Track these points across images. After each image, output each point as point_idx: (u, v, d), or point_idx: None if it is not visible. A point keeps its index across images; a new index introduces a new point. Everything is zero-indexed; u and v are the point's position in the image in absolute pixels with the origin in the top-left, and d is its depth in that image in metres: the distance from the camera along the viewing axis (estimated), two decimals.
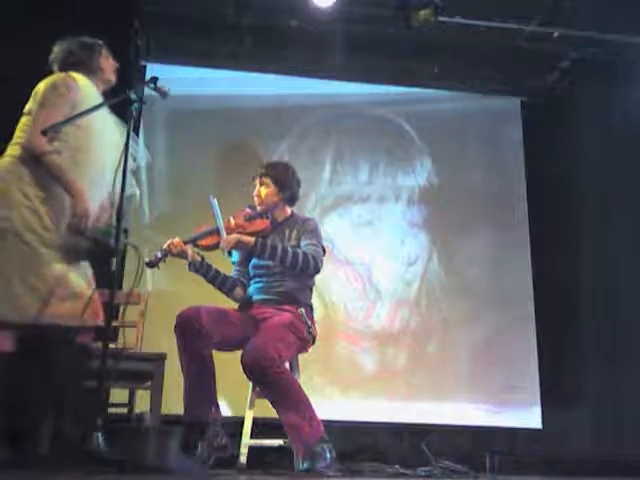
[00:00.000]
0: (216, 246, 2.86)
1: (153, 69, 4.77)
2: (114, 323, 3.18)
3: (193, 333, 2.68)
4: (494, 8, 4.51)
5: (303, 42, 4.76)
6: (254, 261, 2.99)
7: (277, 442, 2.84)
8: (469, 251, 4.97)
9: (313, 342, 2.94)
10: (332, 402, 4.47)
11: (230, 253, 3.05)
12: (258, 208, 3.04)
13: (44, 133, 2.34)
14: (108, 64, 2.71)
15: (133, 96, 2.41)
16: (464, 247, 4.98)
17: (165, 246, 2.82)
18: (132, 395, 3.21)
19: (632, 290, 4.61)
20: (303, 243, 2.93)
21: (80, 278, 2.44)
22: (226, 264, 3.08)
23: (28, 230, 2.35)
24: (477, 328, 4.80)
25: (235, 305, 3.03)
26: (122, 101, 2.46)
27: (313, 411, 2.66)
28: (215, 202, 2.86)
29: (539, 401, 4.71)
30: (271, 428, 2.81)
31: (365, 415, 4.49)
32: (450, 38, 4.68)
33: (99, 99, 2.57)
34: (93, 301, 2.41)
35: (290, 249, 2.85)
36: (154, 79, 2.52)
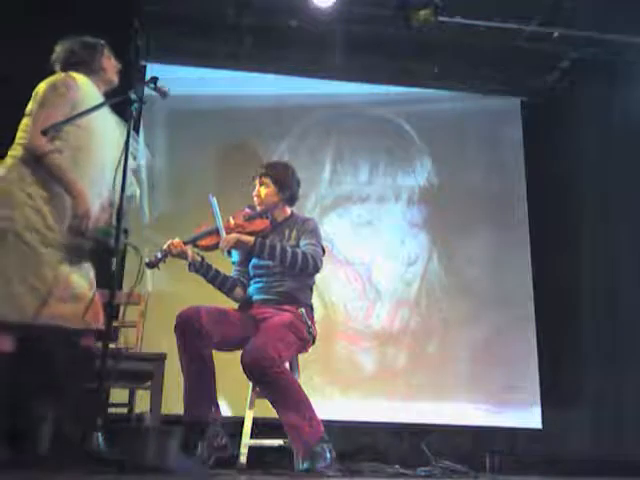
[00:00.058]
0: (216, 246, 2.86)
1: (153, 69, 4.77)
2: (114, 323, 3.20)
3: (193, 333, 2.68)
4: (494, 8, 4.51)
5: (303, 42, 4.76)
6: (254, 261, 2.99)
7: (277, 442, 2.84)
8: (469, 251, 4.97)
9: (313, 342, 2.94)
10: (332, 402, 4.47)
11: (230, 253, 3.05)
12: (258, 208, 3.04)
13: (44, 133, 2.35)
14: (110, 64, 2.71)
15: (133, 96, 2.41)
16: (464, 247, 4.98)
17: (165, 246, 2.82)
18: (132, 395, 3.21)
19: (632, 290, 4.61)
20: (302, 243, 2.93)
21: (82, 279, 2.44)
22: (226, 264, 3.08)
23: (30, 230, 2.35)
24: (477, 328, 4.79)
25: (235, 305, 3.03)
26: (122, 101, 2.46)
27: (313, 411, 2.66)
28: (214, 201, 2.86)
29: (539, 401, 4.71)
30: (271, 428, 2.81)
31: (365, 415, 4.49)
32: (450, 38, 4.68)
33: (100, 99, 2.57)
34: (94, 303, 2.41)
35: (289, 249, 2.85)
36: (154, 79, 2.52)
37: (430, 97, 5.25)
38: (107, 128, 2.57)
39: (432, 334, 4.79)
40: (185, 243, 2.85)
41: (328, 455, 2.59)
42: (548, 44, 4.75)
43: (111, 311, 2.25)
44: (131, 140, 2.41)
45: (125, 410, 3.21)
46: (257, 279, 2.99)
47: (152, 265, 2.77)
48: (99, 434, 2.09)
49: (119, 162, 2.34)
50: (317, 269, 2.89)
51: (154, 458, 2.24)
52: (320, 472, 2.54)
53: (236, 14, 4.57)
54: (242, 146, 4.90)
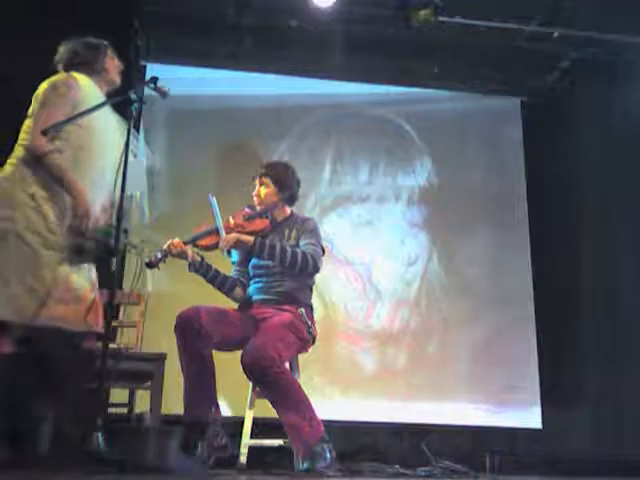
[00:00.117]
0: (216, 246, 2.86)
1: (153, 69, 4.78)
2: (114, 323, 3.20)
3: (193, 333, 2.68)
4: (494, 8, 4.51)
5: (303, 42, 4.76)
6: (254, 261, 2.99)
7: (277, 442, 2.84)
8: (469, 251, 4.97)
9: (313, 342, 2.94)
10: (332, 402, 4.47)
11: (229, 253, 3.05)
12: (258, 208, 3.04)
13: (44, 133, 2.35)
14: (113, 65, 2.71)
15: (133, 96, 2.41)
16: (464, 247, 4.98)
17: (165, 246, 2.82)
18: (132, 395, 3.22)
19: (632, 290, 4.61)
20: (302, 243, 2.93)
21: (82, 280, 2.44)
22: (226, 264, 3.08)
23: (30, 231, 2.35)
24: (477, 328, 4.80)
25: (235, 305, 3.03)
26: (122, 101, 2.46)
27: (313, 411, 2.66)
28: (214, 201, 2.86)
29: (539, 401, 4.71)
30: (271, 428, 2.81)
31: (365, 415, 4.49)
32: (450, 38, 4.68)
33: (101, 99, 2.57)
34: (95, 305, 2.41)
35: (289, 248, 2.85)
36: (154, 79, 2.52)
37: (430, 97, 5.25)
38: (109, 128, 2.57)
39: (432, 334, 4.79)
40: (185, 243, 2.85)
41: (328, 455, 2.59)
42: (548, 44, 4.75)
43: (111, 311, 2.25)
44: (132, 138, 2.41)
45: (125, 410, 3.21)
46: (257, 279, 2.99)
47: (152, 265, 2.77)
48: (99, 434, 2.09)
49: (120, 162, 2.35)
50: (317, 269, 2.89)
51: (154, 458, 2.24)
52: (320, 472, 2.54)
53: (236, 14, 4.57)
54: (242, 146, 4.90)
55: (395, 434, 4.46)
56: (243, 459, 2.79)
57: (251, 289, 3.01)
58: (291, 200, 3.09)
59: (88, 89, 2.55)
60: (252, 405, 2.87)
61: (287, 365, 2.82)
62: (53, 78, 2.53)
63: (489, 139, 5.27)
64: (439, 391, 4.63)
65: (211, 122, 4.87)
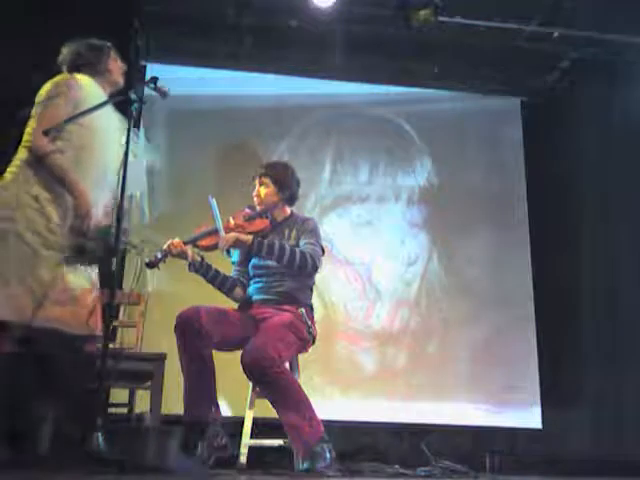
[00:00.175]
0: (215, 246, 2.86)
1: (153, 69, 4.77)
2: (114, 323, 3.20)
3: (193, 333, 2.68)
4: (494, 8, 4.50)
5: (303, 42, 4.76)
6: (254, 261, 2.99)
7: (277, 442, 2.84)
8: (469, 251, 4.97)
9: (313, 342, 2.94)
10: (332, 402, 4.47)
11: (229, 252, 3.05)
12: (258, 208, 3.04)
13: (45, 133, 2.35)
14: (116, 66, 2.72)
15: (133, 96, 2.41)
16: (464, 247, 4.98)
17: (165, 247, 2.82)
18: (132, 395, 3.21)
19: (632, 290, 4.61)
20: (302, 242, 2.93)
21: (81, 280, 2.44)
22: (226, 264, 3.08)
23: (31, 231, 2.36)
24: (477, 328, 4.79)
25: (235, 305, 3.03)
26: (122, 101, 2.46)
27: (313, 411, 2.66)
28: (214, 202, 2.86)
29: (539, 401, 4.71)
30: (271, 428, 2.81)
31: (365, 415, 4.49)
32: (450, 38, 4.67)
33: (103, 99, 2.57)
34: (94, 307, 2.41)
35: (288, 247, 2.85)
36: (154, 79, 2.52)
37: (430, 97, 5.25)
38: (111, 127, 2.58)
39: (432, 334, 4.79)
40: (185, 243, 2.85)
41: (328, 455, 2.59)
42: (548, 44, 4.75)
43: (111, 311, 2.25)
44: (133, 138, 2.41)
45: (125, 410, 3.21)
46: (257, 279, 2.99)
47: (152, 265, 2.77)
48: (99, 434, 2.09)
49: (122, 162, 2.35)
50: (316, 268, 2.89)
51: (154, 458, 2.24)
52: (320, 472, 2.54)
53: (236, 14, 4.57)
54: (242, 146, 4.90)
55: (395, 434, 4.46)
56: (243, 459, 2.79)
57: (251, 289, 3.01)
58: (291, 200, 3.09)
59: (90, 89, 2.55)
60: (252, 405, 2.88)
61: (287, 365, 2.82)
62: (54, 79, 2.54)
63: (489, 139, 5.27)
64: (439, 391, 4.63)
65: (211, 122, 4.87)
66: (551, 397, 4.67)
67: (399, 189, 5.08)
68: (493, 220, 5.08)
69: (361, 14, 4.53)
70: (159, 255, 2.79)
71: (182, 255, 2.85)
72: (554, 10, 4.46)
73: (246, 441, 2.82)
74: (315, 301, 3.06)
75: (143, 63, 4.84)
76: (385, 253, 4.92)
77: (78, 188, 2.42)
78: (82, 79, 2.55)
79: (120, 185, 2.31)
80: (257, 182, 3.06)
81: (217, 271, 2.96)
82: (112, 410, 3.26)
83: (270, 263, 2.91)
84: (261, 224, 2.95)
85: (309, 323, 2.87)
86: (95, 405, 2.16)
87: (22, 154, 2.46)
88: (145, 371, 2.93)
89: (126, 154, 2.34)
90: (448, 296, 4.88)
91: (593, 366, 4.60)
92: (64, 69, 2.65)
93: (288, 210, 3.11)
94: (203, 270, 2.91)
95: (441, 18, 4.41)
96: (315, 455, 2.57)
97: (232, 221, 2.94)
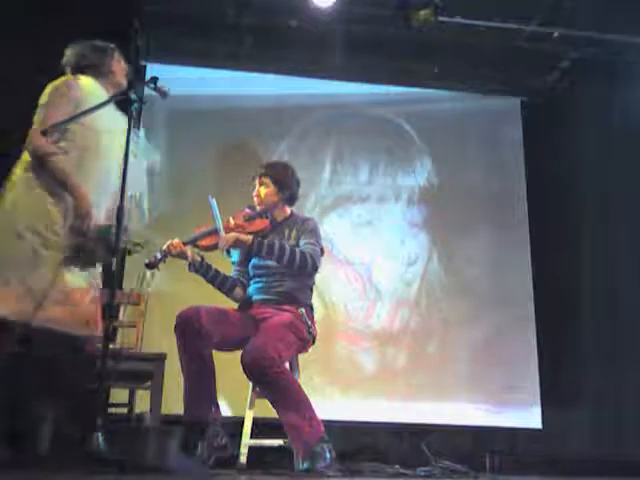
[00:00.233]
0: (215, 246, 2.86)
1: (153, 69, 4.77)
2: (114, 323, 3.20)
3: (193, 333, 2.68)
4: (494, 8, 4.50)
5: (303, 42, 4.76)
6: (254, 261, 2.99)
7: (277, 442, 2.84)
8: (469, 251, 4.97)
9: (313, 342, 2.95)
10: (332, 402, 4.47)
11: (229, 252, 3.05)
12: (258, 208, 3.04)
13: (44, 133, 2.36)
14: (119, 67, 2.73)
15: (133, 96, 2.41)
16: (464, 247, 4.98)
17: (165, 247, 2.83)
18: (132, 395, 3.22)
19: (632, 290, 4.61)
20: (302, 242, 2.93)
21: (82, 281, 2.44)
22: (226, 264, 3.08)
23: (32, 232, 2.36)
24: (477, 328, 4.79)
25: (235, 305, 3.03)
26: (123, 101, 2.47)
27: (313, 411, 2.66)
28: (214, 202, 2.86)
29: (539, 401, 4.70)
30: (271, 428, 2.81)
31: (365, 415, 4.49)
32: (450, 38, 4.67)
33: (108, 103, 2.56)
34: (94, 308, 2.42)
35: (288, 247, 2.86)
36: (154, 79, 2.52)
37: (430, 97, 5.25)
38: (115, 128, 2.57)
39: (432, 334, 4.79)
40: (185, 243, 2.86)
41: (328, 455, 2.60)
42: (548, 44, 4.75)
43: (111, 311, 2.25)
44: (134, 139, 2.42)
45: (125, 410, 3.21)
46: (257, 279, 2.99)
47: (152, 266, 2.78)
48: (99, 434, 2.09)
49: (126, 163, 2.35)
50: (315, 268, 2.89)
51: (154, 458, 2.24)
52: (320, 472, 2.54)
53: (236, 14, 4.57)
54: (242, 146, 4.90)
55: (395, 434, 4.46)
56: (243, 459, 2.79)
57: (251, 289, 3.01)
58: (291, 200, 3.09)
59: (91, 90, 2.56)
60: (252, 405, 2.88)
61: (287, 365, 2.82)
62: (55, 81, 2.55)
63: (489, 139, 5.27)
64: (439, 391, 4.63)
65: (211, 122, 4.86)
66: (551, 397, 4.67)
67: (399, 189, 5.08)
68: (493, 220, 5.08)
69: (361, 14, 4.52)
70: (159, 255, 2.79)
71: (182, 255, 2.85)
72: (554, 10, 4.46)
73: (246, 441, 2.82)
74: (315, 301, 3.07)
75: (143, 63, 4.83)
76: (385, 253, 4.92)
77: (78, 189, 2.42)
78: (84, 80, 2.56)
79: (120, 185, 2.31)
80: (257, 182, 3.06)
81: (217, 271, 2.96)
82: (112, 410, 3.26)
83: (270, 263, 2.91)
84: (261, 224, 2.95)
85: (309, 323, 2.87)
86: (95, 405, 2.16)
87: (25, 156, 2.48)
88: (145, 371, 2.94)
89: (126, 154, 2.34)
90: (448, 296, 4.88)
91: (593, 366, 4.60)
92: (68, 71, 2.65)
93: (288, 210, 3.11)
94: (203, 270, 2.91)
95: (441, 18, 4.41)
96: (315, 455, 2.57)
97: (232, 221, 2.94)
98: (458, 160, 5.16)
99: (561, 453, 4.25)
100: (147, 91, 2.61)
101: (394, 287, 4.86)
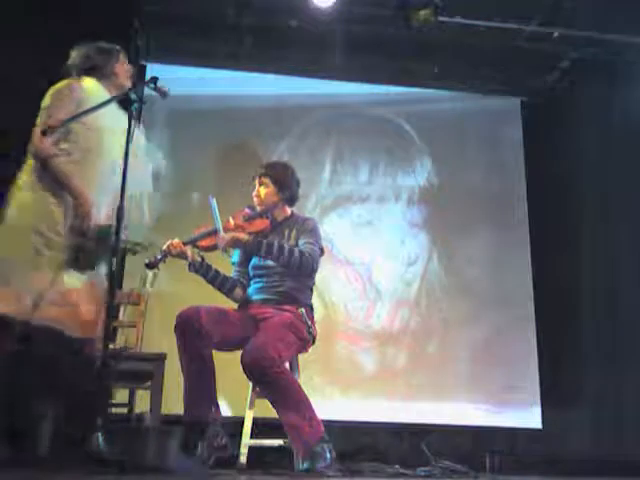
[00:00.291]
0: (215, 247, 2.86)
1: (153, 69, 4.77)
2: (114, 323, 3.20)
3: (193, 333, 2.68)
4: (494, 8, 4.50)
5: (303, 42, 4.76)
6: (254, 261, 2.99)
7: (277, 442, 2.84)
8: (469, 251, 4.97)
9: (313, 342, 2.94)
10: (332, 402, 4.47)
11: (227, 252, 3.04)
12: (258, 208, 3.04)
13: (43, 133, 2.36)
14: (123, 69, 2.73)
15: (133, 96, 2.41)
16: (464, 247, 4.98)
17: (164, 247, 2.83)
18: (132, 395, 3.21)
19: (632, 290, 4.61)
20: (301, 242, 2.93)
21: (81, 281, 2.44)
22: (226, 265, 3.08)
23: (34, 232, 2.37)
24: (477, 328, 4.79)
25: (235, 305, 3.03)
26: (125, 101, 2.47)
27: (313, 411, 2.65)
28: (214, 202, 2.86)
29: (539, 401, 4.71)
30: (271, 428, 2.81)
31: (365, 415, 4.49)
32: (450, 38, 4.67)
33: (111, 104, 2.56)
34: (86, 312, 2.42)
35: (286, 246, 2.86)
36: (154, 79, 2.52)
37: (430, 97, 5.25)
38: (118, 130, 2.57)
39: (432, 334, 4.79)
40: (185, 244, 2.86)
41: (328, 455, 2.59)
42: (548, 44, 4.75)
43: (111, 311, 2.25)
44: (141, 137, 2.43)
45: (125, 410, 3.21)
46: (257, 279, 2.99)
47: (152, 266, 2.78)
48: (99, 434, 2.09)
49: (128, 164, 2.36)
50: (313, 268, 2.89)
51: (154, 458, 2.24)
52: (320, 472, 2.54)
53: (236, 14, 4.57)
54: (242, 146, 4.90)
55: (395, 434, 4.46)
56: (243, 459, 2.79)
57: (251, 289, 3.01)
58: (291, 200, 3.09)
59: (94, 92, 2.56)
60: (252, 405, 2.88)
61: (287, 365, 2.82)
62: (58, 84, 2.56)
63: (489, 139, 5.27)
64: (439, 391, 4.63)
65: (211, 122, 4.87)
66: (551, 397, 4.67)
67: (399, 189, 5.08)
68: (493, 220, 5.08)
69: (361, 14, 4.53)
70: (159, 255, 2.79)
71: (182, 255, 2.85)
72: (554, 10, 4.46)
73: (246, 441, 2.82)
74: (315, 301, 3.06)
75: (143, 63, 4.83)
76: (385, 253, 4.92)
77: (78, 189, 2.43)
78: (86, 82, 2.57)
79: (120, 185, 2.31)
80: (257, 182, 3.06)
81: (217, 271, 2.96)
82: (112, 410, 3.26)
83: (270, 263, 2.90)
84: (261, 224, 2.95)
85: (309, 323, 2.87)
86: (95, 405, 2.16)
87: (28, 158, 2.50)
88: (145, 371, 2.94)
89: (126, 154, 2.34)
90: (448, 296, 4.88)
91: (593, 366, 4.60)
92: (73, 73, 2.66)
93: (288, 210, 3.11)
94: (203, 270, 2.91)
95: (441, 18, 4.41)
96: (315, 455, 2.57)
97: (232, 221, 2.94)
98: (458, 160, 5.16)
99: (561, 453, 4.25)
100: (147, 91, 2.61)
101: (394, 287, 4.86)
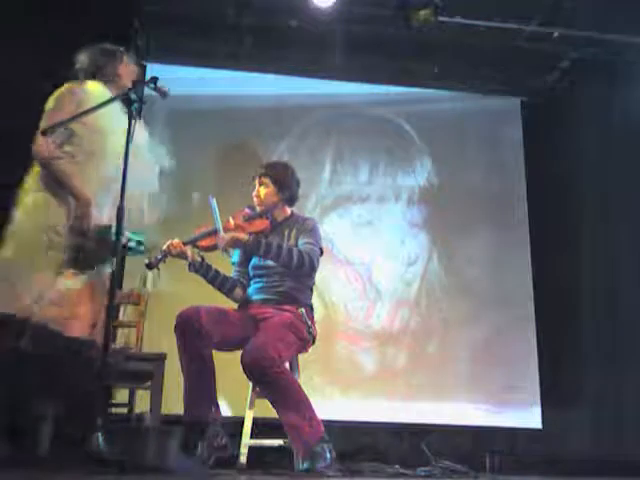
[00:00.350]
0: (215, 247, 2.86)
1: (153, 69, 4.76)
2: (114, 323, 3.20)
3: (193, 333, 2.68)
4: (494, 8, 4.50)
5: (303, 42, 4.76)
6: (254, 261, 2.99)
7: (277, 442, 2.84)
8: (469, 251, 4.97)
9: (313, 342, 2.94)
10: (332, 402, 4.47)
11: (227, 252, 3.04)
12: (257, 208, 3.04)
13: (43, 133, 2.37)
14: (127, 71, 2.74)
15: (133, 96, 2.41)
16: (464, 247, 4.98)
17: (164, 247, 2.83)
18: (132, 395, 3.22)
19: (632, 290, 4.61)
20: (300, 242, 2.93)
21: (78, 282, 2.45)
22: (226, 265, 3.08)
23: (38, 233, 2.39)
24: (477, 328, 4.79)
25: (235, 305, 3.03)
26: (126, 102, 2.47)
27: (313, 411, 2.66)
28: (214, 202, 2.86)
29: (539, 401, 4.71)
30: (271, 428, 2.81)
31: (365, 415, 4.49)
32: (450, 38, 4.67)
33: (115, 106, 2.56)
34: (86, 312, 2.42)
35: (286, 247, 2.86)
36: (154, 79, 2.52)
37: (430, 97, 5.25)
38: (121, 129, 2.58)
39: (432, 334, 4.79)
40: (185, 244, 2.86)
41: (328, 455, 2.59)
42: (548, 44, 4.75)
43: (111, 311, 2.25)
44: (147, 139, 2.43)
45: (125, 410, 3.21)
46: (257, 279, 2.99)
47: (152, 266, 2.78)
48: (99, 434, 2.09)
49: (133, 165, 2.37)
50: (313, 267, 2.89)
51: (154, 458, 2.24)
52: (320, 472, 2.54)
53: (236, 14, 4.57)
54: (242, 146, 4.90)
55: (395, 434, 4.46)
56: (243, 459, 2.79)
57: (251, 289, 3.01)
58: (291, 200, 3.09)
59: (96, 94, 2.56)
60: (252, 405, 2.88)
61: (287, 365, 2.82)
62: (61, 87, 2.57)
63: (489, 139, 5.27)
64: (439, 391, 4.63)
65: (211, 122, 4.86)
66: (551, 397, 4.67)
67: (399, 189, 5.08)
68: (493, 220, 5.08)
69: (361, 14, 4.53)
70: (158, 256, 2.79)
71: (182, 255, 2.85)
72: (554, 10, 4.46)
73: (246, 441, 2.82)
74: (315, 301, 3.06)
75: (143, 63, 4.83)
76: (385, 253, 4.92)
77: (78, 189, 2.44)
78: (90, 85, 2.58)
79: (121, 185, 2.31)
80: (257, 182, 3.06)
81: (217, 271, 2.96)
82: (112, 410, 3.26)
83: (270, 263, 2.90)
84: (261, 224, 2.95)
85: (309, 323, 2.87)
86: (95, 405, 2.16)
87: (36, 164, 2.52)
88: (145, 371, 2.94)
89: (126, 154, 2.34)
90: (448, 296, 4.88)
91: (593, 366, 4.60)
92: (81, 76, 2.67)
93: (288, 210, 3.11)
94: (203, 270, 2.91)
95: (441, 18, 4.41)
96: (315, 455, 2.57)
97: (232, 221, 2.94)
98: (458, 160, 5.16)
99: (561, 453, 4.25)
100: (147, 91, 2.61)
101: (394, 287, 4.86)
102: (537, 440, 4.53)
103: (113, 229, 2.30)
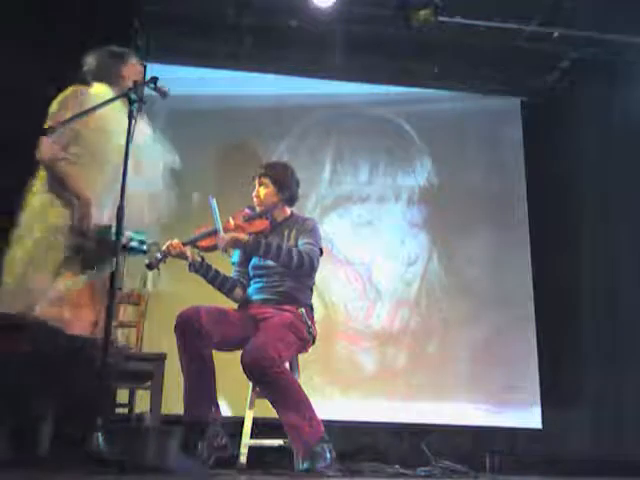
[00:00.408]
0: (215, 247, 2.86)
1: (153, 69, 4.75)
2: (114, 323, 3.20)
3: (193, 333, 2.68)
4: (494, 8, 4.50)
5: (303, 42, 4.76)
6: (254, 261, 2.99)
7: (277, 442, 2.84)
8: (469, 251, 4.97)
9: (313, 342, 2.95)
10: (332, 402, 4.47)
11: (227, 252, 3.04)
12: (257, 209, 3.04)
13: (45, 133, 2.37)
14: (131, 72, 2.74)
15: (133, 96, 2.41)
16: (464, 247, 4.98)
17: (164, 247, 2.82)
18: (132, 395, 3.22)
19: (632, 290, 4.61)
20: (300, 242, 2.93)
21: (78, 282, 2.45)
22: (226, 265, 3.08)
23: (41, 233, 2.39)
24: (477, 328, 4.79)
25: (235, 305, 3.03)
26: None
27: (313, 411, 2.66)
28: (214, 203, 2.86)
29: (539, 401, 4.71)
30: (271, 428, 2.81)
31: (365, 415, 4.49)
32: (450, 38, 4.67)
33: (118, 107, 2.56)
34: (86, 312, 2.43)
35: (285, 247, 2.86)
36: (154, 79, 2.52)
37: (430, 97, 5.25)
38: (124, 129, 2.58)
39: (432, 334, 4.79)
40: (184, 244, 2.86)
41: (328, 455, 2.60)
42: (548, 44, 4.75)
43: (111, 311, 2.25)
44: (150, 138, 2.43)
45: (125, 410, 3.21)
46: (257, 279, 2.99)
47: (152, 266, 2.77)
48: (99, 434, 2.09)
49: (136, 165, 2.37)
50: (313, 267, 2.89)
51: (154, 458, 2.24)
52: (320, 472, 2.54)
53: (236, 14, 4.57)
54: (242, 146, 4.90)
55: (395, 434, 4.46)
56: (243, 459, 2.79)
57: (251, 289, 3.01)
58: (291, 200, 3.09)
59: (101, 96, 2.56)
60: (252, 405, 2.88)
61: (287, 365, 2.82)
62: (66, 90, 2.58)
63: (489, 139, 5.27)
64: (439, 391, 4.63)
65: (211, 122, 4.86)
66: (551, 397, 4.67)
67: (399, 189, 5.08)
68: (493, 220, 5.08)
69: (361, 14, 4.53)
70: (158, 256, 2.79)
71: (182, 256, 2.85)
72: (554, 10, 4.46)
73: (246, 441, 2.82)
74: (315, 301, 3.06)
75: (143, 63, 4.82)
76: (385, 253, 4.92)
77: (78, 190, 2.45)
78: (95, 88, 2.60)
79: (121, 185, 2.31)
80: (257, 182, 3.06)
81: (217, 272, 2.96)
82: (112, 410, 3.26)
83: (270, 263, 2.91)
84: (261, 225, 2.95)
85: (309, 323, 2.87)
86: (96, 405, 2.16)
87: (42, 168, 2.53)
88: (145, 371, 2.94)
89: (126, 154, 2.34)
90: (448, 296, 4.88)
91: (593, 366, 4.60)
92: (89, 79, 2.67)
93: (288, 210, 3.11)
94: (203, 270, 2.91)
95: (441, 18, 4.41)
96: (315, 455, 2.57)
97: (232, 222, 2.94)
98: (458, 160, 5.16)
99: (561, 453, 4.25)
100: (147, 91, 2.61)
101: (394, 287, 4.86)
102: (537, 440, 4.53)
103: (113, 229, 2.30)
